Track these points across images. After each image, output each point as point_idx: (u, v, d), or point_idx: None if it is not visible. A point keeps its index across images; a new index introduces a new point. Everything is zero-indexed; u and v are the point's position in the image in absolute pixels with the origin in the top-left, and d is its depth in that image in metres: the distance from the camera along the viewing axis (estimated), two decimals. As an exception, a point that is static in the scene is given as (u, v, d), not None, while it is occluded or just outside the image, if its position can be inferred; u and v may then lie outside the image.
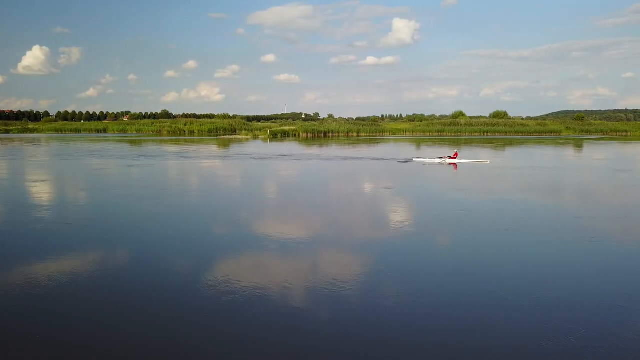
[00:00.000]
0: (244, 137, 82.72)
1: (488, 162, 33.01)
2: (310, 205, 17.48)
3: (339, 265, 9.81)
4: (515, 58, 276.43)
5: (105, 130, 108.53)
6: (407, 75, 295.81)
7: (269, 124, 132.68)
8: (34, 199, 18.09)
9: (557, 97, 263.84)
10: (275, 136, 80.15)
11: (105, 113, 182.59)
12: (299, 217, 15.24)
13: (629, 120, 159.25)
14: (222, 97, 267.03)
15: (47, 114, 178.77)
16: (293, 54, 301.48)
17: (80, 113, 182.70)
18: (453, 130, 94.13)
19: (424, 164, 32.19)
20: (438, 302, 7.81)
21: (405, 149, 50.40)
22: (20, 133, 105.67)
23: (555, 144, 61.56)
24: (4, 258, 10.21)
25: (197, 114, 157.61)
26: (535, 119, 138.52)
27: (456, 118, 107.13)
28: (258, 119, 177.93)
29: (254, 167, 31.21)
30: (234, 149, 51.34)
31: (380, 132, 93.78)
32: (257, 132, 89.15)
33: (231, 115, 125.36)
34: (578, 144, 60.90)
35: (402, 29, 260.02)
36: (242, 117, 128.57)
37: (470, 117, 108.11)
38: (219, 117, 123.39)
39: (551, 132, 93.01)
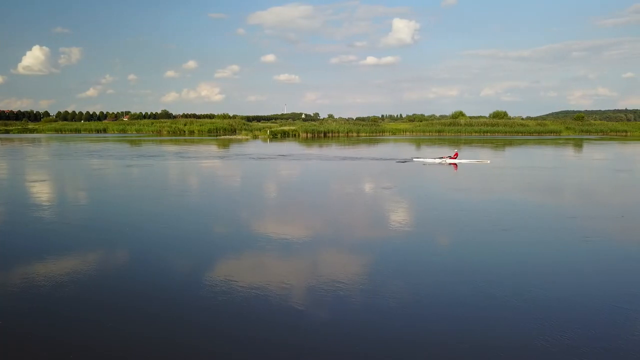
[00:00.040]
0: (243, 137, 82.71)
1: (488, 162, 33.01)
2: (309, 205, 17.48)
3: (339, 265, 9.81)
4: (515, 58, 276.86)
5: (105, 130, 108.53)
6: (407, 75, 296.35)
7: (268, 124, 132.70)
8: (33, 199, 18.09)
9: (557, 97, 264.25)
10: (275, 136, 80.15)
11: (105, 113, 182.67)
12: (298, 217, 15.24)
13: (628, 120, 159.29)
14: (222, 97, 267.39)
15: (47, 114, 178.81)
16: (293, 54, 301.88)
17: (80, 113, 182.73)
18: (453, 130, 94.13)
19: (425, 164, 32.19)
20: (438, 302, 7.81)
21: (405, 149, 50.40)
22: (20, 133, 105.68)
23: (555, 144, 61.56)
24: (4, 258, 10.21)
25: (197, 114, 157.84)
26: (535, 119, 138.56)
27: (456, 118, 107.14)
28: (258, 119, 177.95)
29: (254, 167, 31.21)
30: (234, 149, 51.34)
31: (380, 132, 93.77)
32: (256, 132, 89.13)
33: (231, 115, 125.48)
34: (578, 144, 60.92)
35: (402, 29, 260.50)
36: (242, 117, 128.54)
37: (470, 117, 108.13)
38: (218, 117, 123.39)
39: (551, 132, 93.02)
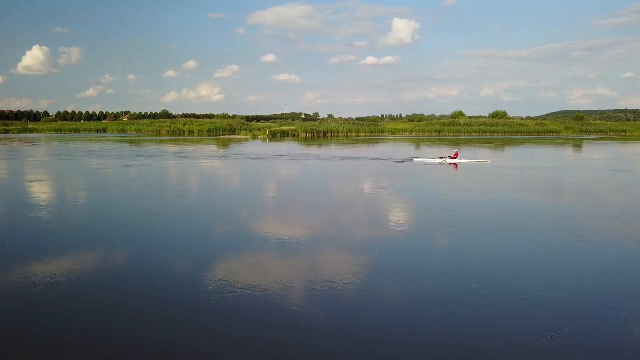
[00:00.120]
0: (243, 137, 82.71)
1: (489, 162, 33.02)
2: (309, 205, 17.48)
3: (338, 265, 9.82)
4: (515, 58, 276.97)
5: (104, 131, 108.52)
6: (407, 75, 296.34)
7: (268, 124, 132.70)
8: (33, 199, 18.09)
9: (557, 97, 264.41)
10: (274, 136, 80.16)
11: (105, 113, 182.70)
12: (297, 217, 15.24)
13: (628, 120, 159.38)
14: (222, 97, 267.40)
15: (46, 114, 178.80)
16: (293, 54, 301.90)
17: (80, 113, 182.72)
18: (452, 130, 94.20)
19: (425, 164, 32.21)
20: (437, 302, 7.82)
21: (404, 149, 50.42)
22: (20, 133, 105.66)
23: (554, 144, 61.60)
24: (4, 258, 10.21)
25: (197, 114, 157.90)
26: (535, 119, 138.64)
27: (455, 118, 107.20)
28: (258, 119, 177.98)
29: (253, 167, 31.21)
30: (233, 149, 51.35)
31: (379, 132, 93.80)
32: (256, 132, 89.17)
33: (231, 115, 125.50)
34: (577, 144, 60.95)
35: (402, 29, 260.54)
36: (242, 117, 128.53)
37: (470, 117, 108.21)
38: (218, 117, 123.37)
39: (550, 132, 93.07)
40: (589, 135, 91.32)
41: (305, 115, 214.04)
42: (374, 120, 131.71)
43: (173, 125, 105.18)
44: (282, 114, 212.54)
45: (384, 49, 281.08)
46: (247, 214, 15.48)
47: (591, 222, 13.94)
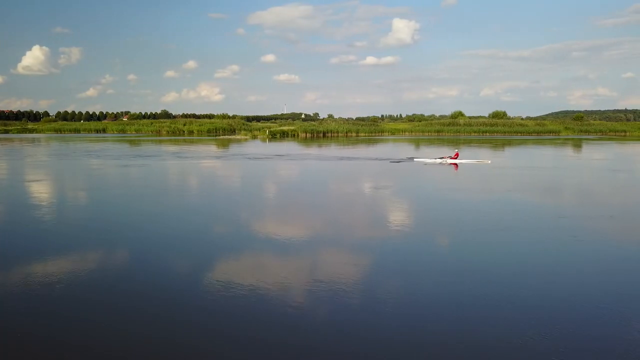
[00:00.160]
0: (242, 137, 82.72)
1: (489, 162, 33.03)
2: (308, 205, 17.48)
3: (339, 265, 9.82)
4: (515, 58, 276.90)
5: (104, 130, 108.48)
6: (407, 75, 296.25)
7: (268, 124, 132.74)
8: (33, 199, 18.08)
9: (557, 97, 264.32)
10: (274, 136, 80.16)
11: (104, 113, 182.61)
12: (297, 216, 15.24)
13: (628, 120, 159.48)
14: (222, 97, 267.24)
15: (46, 114, 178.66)
16: (293, 54, 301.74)
17: (80, 113, 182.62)
18: (452, 130, 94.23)
19: (425, 164, 32.23)
20: (438, 302, 7.82)
21: (403, 149, 50.43)
22: (20, 133, 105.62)
23: (554, 144, 61.62)
24: (4, 258, 10.21)
25: (197, 114, 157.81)
26: (535, 119, 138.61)
27: (455, 118, 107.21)
28: (258, 119, 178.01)
29: (252, 167, 31.21)
30: (233, 149, 51.35)
31: (379, 132, 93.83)
32: (256, 132, 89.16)
33: (231, 115, 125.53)
34: (577, 144, 60.97)
35: (402, 29, 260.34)
36: (242, 117, 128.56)
37: (469, 117, 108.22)
38: (218, 117, 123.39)
39: (550, 132, 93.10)
40: (588, 135, 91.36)
41: (305, 115, 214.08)
42: (373, 120, 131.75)
43: (173, 125, 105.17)
44: (282, 114, 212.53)
45: (384, 49, 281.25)
46: (247, 214, 15.48)
47: (591, 222, 13.95)
